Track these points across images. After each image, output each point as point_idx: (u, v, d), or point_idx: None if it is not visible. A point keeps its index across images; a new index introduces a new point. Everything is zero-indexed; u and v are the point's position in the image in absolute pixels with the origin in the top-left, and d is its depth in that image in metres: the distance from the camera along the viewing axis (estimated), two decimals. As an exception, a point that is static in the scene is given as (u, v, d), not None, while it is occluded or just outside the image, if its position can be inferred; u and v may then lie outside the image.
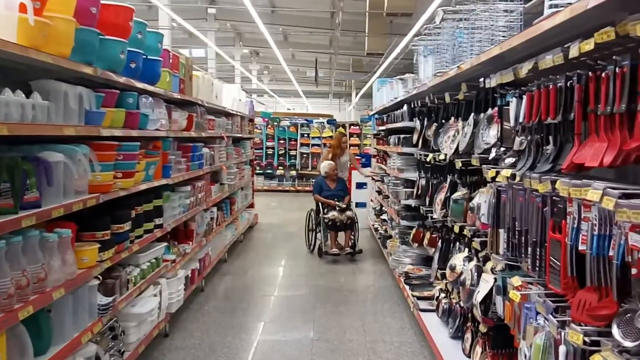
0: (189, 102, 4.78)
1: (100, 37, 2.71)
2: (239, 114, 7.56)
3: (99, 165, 2.80)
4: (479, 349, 3.22)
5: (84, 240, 2.88)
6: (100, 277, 3.02)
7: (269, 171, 15.50)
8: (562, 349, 1.99)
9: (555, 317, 2.05)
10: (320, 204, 7.35)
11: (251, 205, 9.25)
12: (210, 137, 5.69)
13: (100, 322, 2.98)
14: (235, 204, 7.35)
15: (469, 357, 3.41)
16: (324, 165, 7.61)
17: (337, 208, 7.14)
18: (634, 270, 1.62)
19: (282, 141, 15.61)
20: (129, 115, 3.17)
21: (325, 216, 7.10)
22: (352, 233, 7.16)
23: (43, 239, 2.41)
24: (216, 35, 16.33)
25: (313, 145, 15.44)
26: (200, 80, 5.14)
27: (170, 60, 4.08)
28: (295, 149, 15.56)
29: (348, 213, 7.13)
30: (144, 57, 3.38)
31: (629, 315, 1.69)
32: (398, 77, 6.22)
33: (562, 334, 1.98)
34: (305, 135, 15.60)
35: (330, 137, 14.40)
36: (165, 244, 4.19)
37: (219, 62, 18.41)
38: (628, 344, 1.65)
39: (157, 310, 3.84)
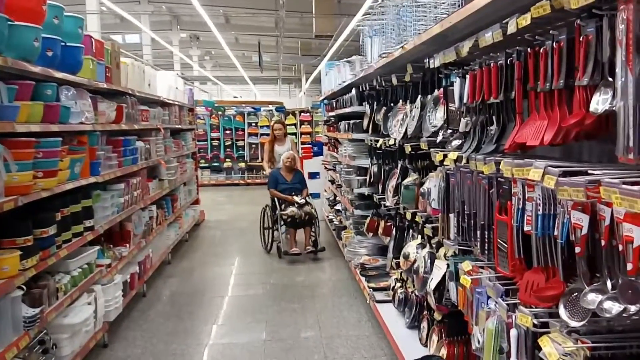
0: (118, 92, 4.65)
1: (9, 22, 2.59)
2: (176, 103, 7.42)
3: (15, 164, 2.69)
4: (435, 338, 3.31)
5: (3, 248, 2.78)
6: (25, 287, 2.92)
7: (216, 164, 15.31)
8: (513, 332, 2.06)
9: (504, 301, 2.12)
10: (276, 199, 7.09)
11: (196, 202, 9.12)
12: (144, 130, 5.56)
13: (27, 335, 2.89)
14: (177, 201, 7.24)
15: (426, 346, 3.49)
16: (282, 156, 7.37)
17: (296, 204, 6.88)
18: (577, 249, 1.69)
19: (228, 131, 15.42)
20: (47, 109, 3.05)
21: (283, 212, 6.82)
22: (312, 229, 6.98)
23: (-47, 248, 2.30)
24: (151, 19, 15.95)
25: (262, 134, 15.27)
26: (130, 68, 5.01)
27: (94, 47, 3.94)
28: (243, 140, 15.41)
29: (306, 208, 6.88)
30: (62, 44, 3.26)
31: (575, 294, 1.76)
32: (345, 59, 6.25)
33: (513, 317, 2.05)
34: (253, 124, 15.47)
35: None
36: (99, 247, 4.09)
37: (155, 48, 18.01)
38: (575, 323, 1.72)
39: (92, 319, 3.76)
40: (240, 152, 15.41)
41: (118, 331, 4.45)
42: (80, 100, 3.64)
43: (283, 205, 6.95)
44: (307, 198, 7.11)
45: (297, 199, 6.93)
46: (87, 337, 3.68)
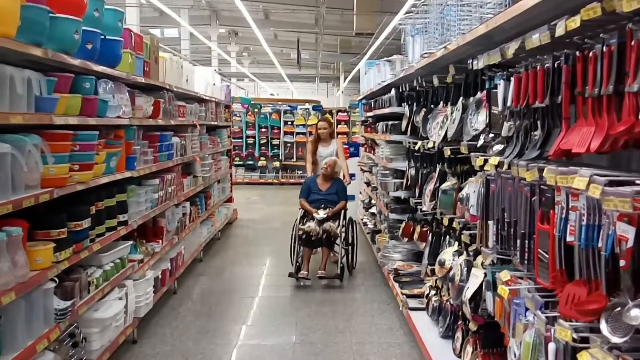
0: (155, 86, 4.75)
1: (51, 15, 2.68)
2: (213, 99, 7.53)
3: (52, 156, 2.78)
4: (469, 349, 3.28)
5: (37, 240, 2.87)
6: (57, 280, 3.00)
7: (250, 162, 15.46)
8: (551, 346, 2.03)
9: (544, 313, 2.09)
10: (303, 210, 6.33)
11: (229, 200, 9.24)
12: (180, 125, 5.67)
13: (58, 328, 2.97)
14: (210, 199, 7.34)
15: (460, 357, 3.46)
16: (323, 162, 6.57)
17: (315, 218, 6.05)
18: (622, 262, 1.66)
19: (263, 129, 15.56)
20: (85, 102, 3.14)
21: (301, 227, 6.03)
22: (334, 252, 6.27)
23: (-11, 238, 2.39)
24: (190, 13, 16.21)
25: (298, 133, 15.40)
26: (168, 63, 5.11)
27: (133, 41, 4.04)
28: (278, 138, 15.52)
29: (327, 225, 5.95)
30: (102, 37, 3.35)
31: (618, 309, 1.72)
32: (385, 58, 6.23)
33: (552, 330, 2.02)
34: (289, 122, 15.56)
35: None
36: (131, 242, 4.18)
37: (193, 43, 18.30)
38: (616, 339, 1.69)
39: (122, 314, 3.84)
40: (275, 150, 15.52)
41: (147, 327, 4.54)
42: (118, 94, 3.73)
43: (305, 219, 6.19)
44: (337, 213, 6.16)
45: (320, 212, 6.08)
46: (117, 332, 3.76)
